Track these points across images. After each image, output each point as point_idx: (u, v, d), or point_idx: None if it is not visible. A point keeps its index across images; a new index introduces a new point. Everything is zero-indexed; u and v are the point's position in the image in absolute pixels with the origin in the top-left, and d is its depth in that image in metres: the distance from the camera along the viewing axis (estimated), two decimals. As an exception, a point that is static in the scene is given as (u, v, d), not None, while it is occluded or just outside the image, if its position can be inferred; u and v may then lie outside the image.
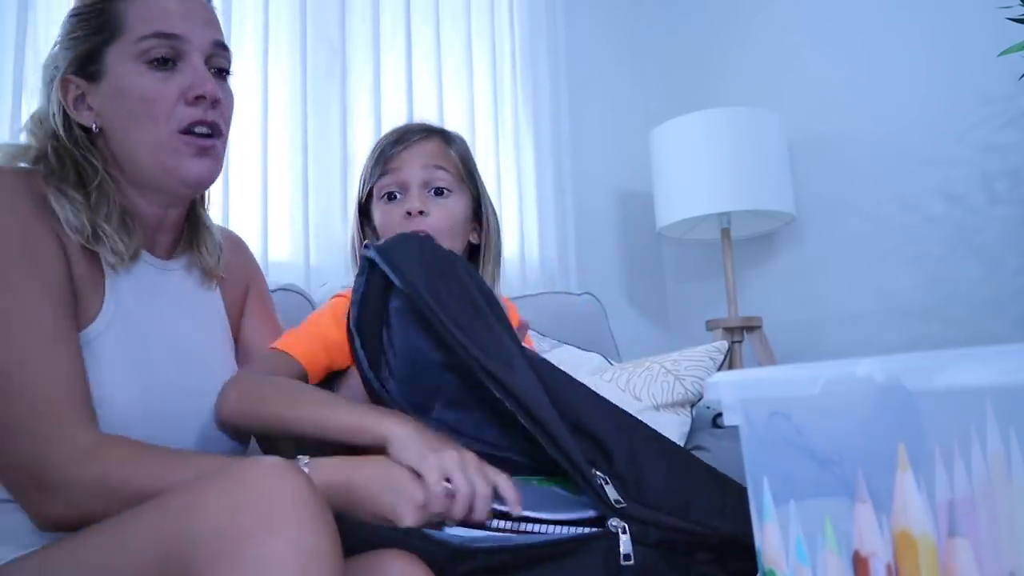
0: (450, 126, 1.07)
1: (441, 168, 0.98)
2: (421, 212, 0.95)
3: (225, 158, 0.87)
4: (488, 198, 1.05)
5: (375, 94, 1.75)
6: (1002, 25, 1.57)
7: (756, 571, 0.54)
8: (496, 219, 1.06)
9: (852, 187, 1.97)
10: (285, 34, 1.64)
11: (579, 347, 1.60)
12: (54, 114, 0.81)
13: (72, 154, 0.80)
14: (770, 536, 0.52)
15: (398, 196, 0.98)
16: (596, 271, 2.17)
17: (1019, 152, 1.71)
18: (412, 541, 0.66)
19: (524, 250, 1.99)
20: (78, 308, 0.76)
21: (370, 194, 1.01)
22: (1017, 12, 1.52)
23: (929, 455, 0.43)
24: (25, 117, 1.28)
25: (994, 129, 1.74)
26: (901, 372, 0.43)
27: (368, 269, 0.80)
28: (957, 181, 1.79)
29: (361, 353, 0.78)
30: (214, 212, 1.47)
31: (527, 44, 2.07)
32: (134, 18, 0.80)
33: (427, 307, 0.74)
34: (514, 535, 0.69)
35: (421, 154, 0.98)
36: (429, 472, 0.67)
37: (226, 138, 0.86)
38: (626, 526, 0.68)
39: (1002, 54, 1.51)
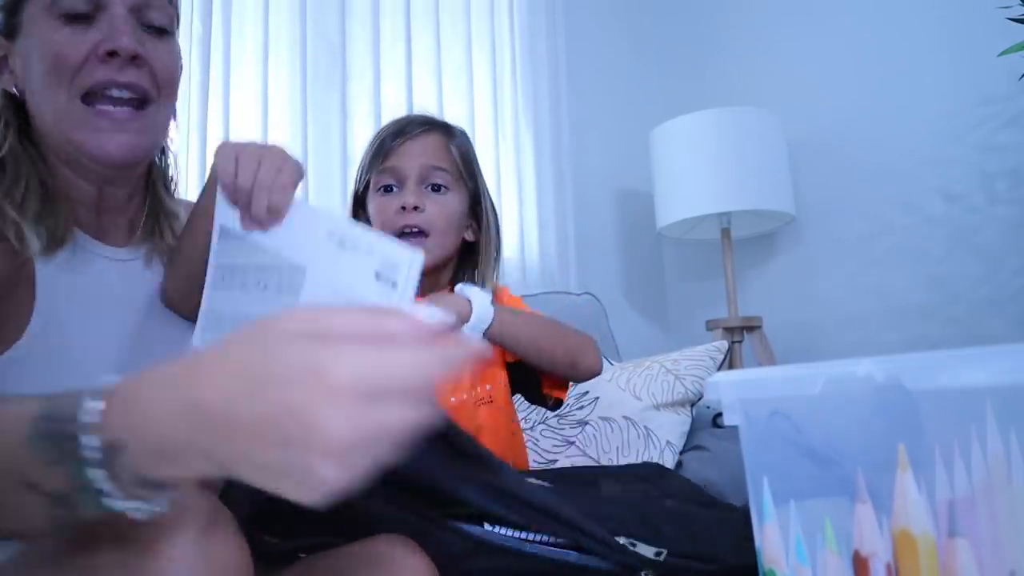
0: None
1: (440, 164, 0.97)
2: (416, 207, 0.94)
3: (159, 134, 0.75)
4: (488, 195, 1.04)
5: (375, 96, 1.75)
6: (1002, 25, 1.56)
7: None
8: (496, 216, 1.04)
9: (852, 187, 1.97)
10: (285, 36, 1.64)
11: (579, 347, 1.59)
12: None
13: None
14: (770, 536, 0.52)
15: (395, 189, 0.96)
16: (596, 271, 2.17)
17: (1019, 152, 1.71)
18: (433, 530, 0.64)
19: (524, 250, 1.99)
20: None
21: (367, 185, 1.00)
22: (1017, 12, 1.52)
23: (929, 455, 0.43)
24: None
25: (994, 129, 1.74)
26: (901, 372, 0.43)
27: None
28: (957, 181, 1.79)
29: None
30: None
31: (527, 45, 2.07)
32: None
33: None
34: (540, 545, 0.66)
35: (421, 148, 0.97)
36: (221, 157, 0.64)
37: (162, 106, 0.73)
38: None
39: (1002, 54, 1.51)
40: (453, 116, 1.87)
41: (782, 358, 1.92)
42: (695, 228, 2.04)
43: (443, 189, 0.97)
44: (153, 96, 0.72)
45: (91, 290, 0.73)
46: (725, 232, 1.97)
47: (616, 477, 0.88)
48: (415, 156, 0.96)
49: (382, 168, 0.97)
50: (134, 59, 0.69)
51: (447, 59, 1.91)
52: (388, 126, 1.01)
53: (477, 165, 1.03)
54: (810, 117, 2.04)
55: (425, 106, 1.83)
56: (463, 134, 1.03)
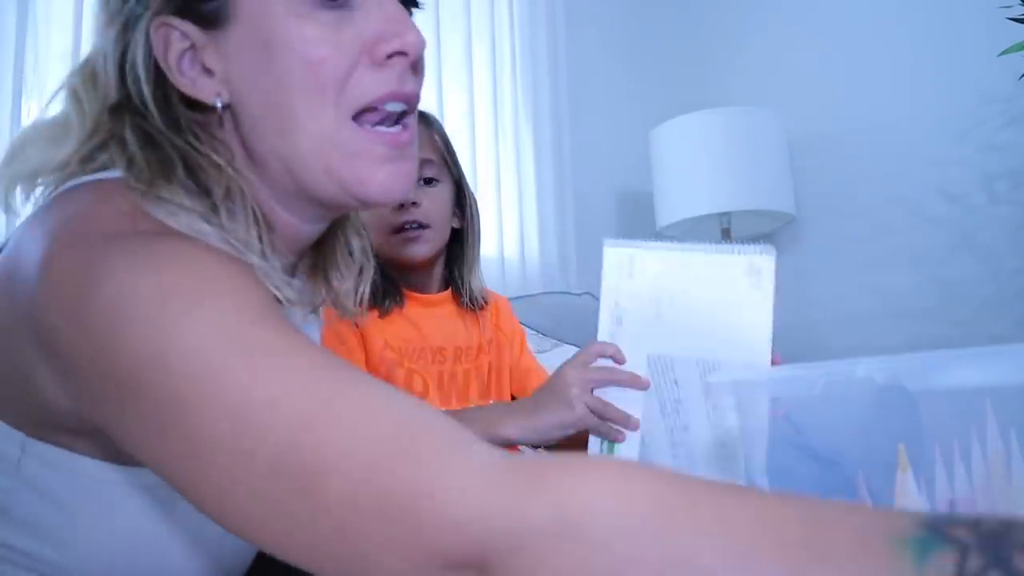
0: (450, 126, 1.06)
1: (428, 156, 0.95)
2: (414, 203, 0.93)
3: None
4: (467, 183, 1.04)
5: (375, 94, 1.75)
6: (1002, 25, 1.56)
7: None
8: (475, 202, 1.04)
9: (852, 187, 1.97)
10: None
11: (579, 347, 1.59)
12: (139, 76, 0.49)
13: (173, 142, 0.48)
14: (770, 536, 0.52)
15: None
16: (596, 271, 2.16)
17: (1019, 152, 1.71)
18: None
19: (524, 250, 1.99)
20: None
21: None
22: (1017, 12, 1.51)
23: (929, 455, 0.43)
24: (25, 116, 1.25)
25: (994, 129, 1.74)
26: (901, 372, 0.43)
27: None
28: (957, 181, 1.79)
29: None
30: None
31: (527, 44, 2.07)
32: None
33: None
34: None
35: None
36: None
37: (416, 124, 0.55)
38: None
39: (1002, 54, 1.51)
40: (453, 115, 1.88)
41: (783, 358, 1.92)
42: (695, 228, 2.04)
43: (434, 182, 0.96)
44: (416, 110, 0.54)
45: None
46: (725, 232, 1.97)
47: None
48: None
49: None
50: (416, 63, 0.51)
51: (447, 59, 1.91)
52: None
53: (456, 154, 1.02)
54: (811, 117, 2.04)
55: (424, 109, 1.82)
56: (438, 122, 1.02)
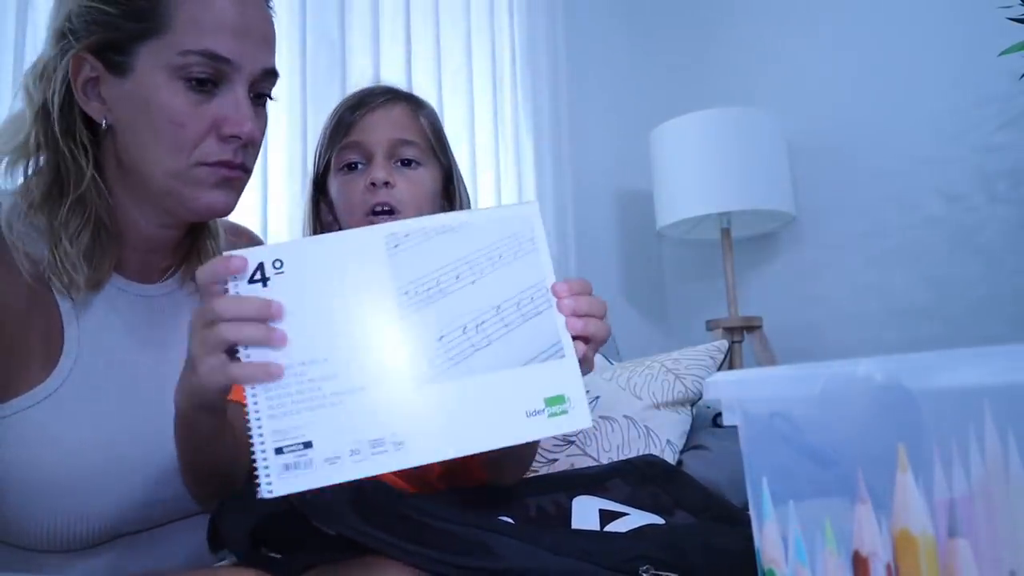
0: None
1: (409, 137, 0.88)
2: (387, 183, 0.84)
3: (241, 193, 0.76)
4: (459, 173, 0.96)
5: (375, 94, 1.75)
6: (1002, 25, 1.56)
7: None
8: (468, 197, 0.97)
9: (852, 187, 1.97)
10: (285, 34, 1.64)
11: (579, 347, 1.59)
12: (55, 90, 0.68)
13: (57, 144, 0.68)
14: (769, 536, 0.52)
15: (360, 166, 0.87)
16: (596, 271, 2.17)
17: (1019, 152, 1.71)
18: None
19: (524, 250, 1.99)
20: (19, 363, 0.65)
21: (328, 167, 0.90)
22: (1017, 12, 1.51)
23: (929, 455, 0.43)
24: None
25: (994, 129, 1.74)
26: (901, 372, 0.43)
27: None
28: (957, 181, 1.79)
29: None
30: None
31: (527, 44, 2.07)
32: (185, 21, 0.66)
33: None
34: None
35: (386, 120, 0.87)
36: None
37: (250, 173, 0.75)
38: None
39: (1002, 54, 1.51)
40: (453, 115, 1.88)
41: (782, 358, 1.92)
42: (695, 228, 2.04)
43: (414, 164, 0.88)
44: (250, 170, 0.74)
45: (125, 327, 0.73)
46: (725, 232, 1.97)
47: (623, 476, 0.83)
48: (380, 128, 0.87)
49: (344, 144, 0.87)
50: (249, 143, 0.70)
51: (447, 59, 1.91)
52: (346, 99, 0.91)
53: (447, 141, 0.95)
54: (810, 117, 2.04)
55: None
56: (431, 107, 0.95)
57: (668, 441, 1.33)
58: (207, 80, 0.67)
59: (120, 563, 0.73)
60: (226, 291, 0.54)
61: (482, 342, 0.58)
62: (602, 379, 1.42)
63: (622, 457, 1.30)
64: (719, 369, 1.46)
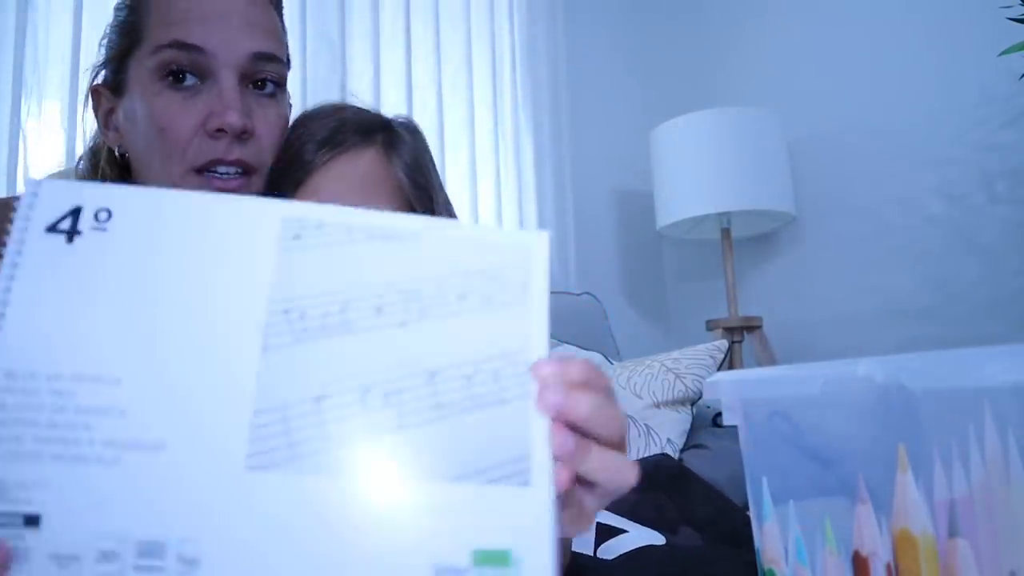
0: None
1: (379, 201, 0.70)
2: None
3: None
4: (448, 210, 0.77)
5: (375, 96, 1.75)
6: (1002, 25, 1.56)
7: None
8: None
9: (852, 187, 1.97)
10: (285, 34, 1.64)
11: (579, 347, 1.60)
12: (93, 130, 0.69)
13: (90, 177, 0.68)
14: (769, 536, 0.52)
15: None
16: (596, 271, 2.17)
17: (1019, 152, 1.71)
18: None
19: (524, 250, 1.99)
20: None
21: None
22: (1017, 12, 1.51)
23: (929, 455, 0.43)
24: (25, 117, 1.26)
25: (994, 129, 1.74)
26: (901, 372, 0.43)
27: None
28: (957, 181, 1.79)
29: None
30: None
31: (527, 44, 2.07)
32: (156, 20, 0.63)
33: None
34: None
35: (355, 176, 0.69)
36: None
37: (262, 174, 0.67)
38: None
39: (1002, 54, 1.51)
40: (453, 115, 1.88)
41: (782, 358, 1.92)
42: (695, 228, 2.04)
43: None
44: (256, 167, 0.66)
45: None
46: (725, 232, 1.97)
47: None
48: (341, 185, 0.68)
49: (298, 193, 0.67)
50: (242, 134, 0.63)
51: (447, 59, 1.91)
52: (311, 122, 0.71)
53: (434, 175, 0.76)
54: (810, 117, 2.04)
55: (424, 109, 1.82)
56: (413, 137, 0.75)
57: (668, 440, 1.33)
58: (186, 75, 0.62)
59: None
60: None
61: (388, 423, 0.34)
62: (602, 379, 1.42)
63: (622, 457, 1.30)
64: (719, 369, 1.46)
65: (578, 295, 1.83)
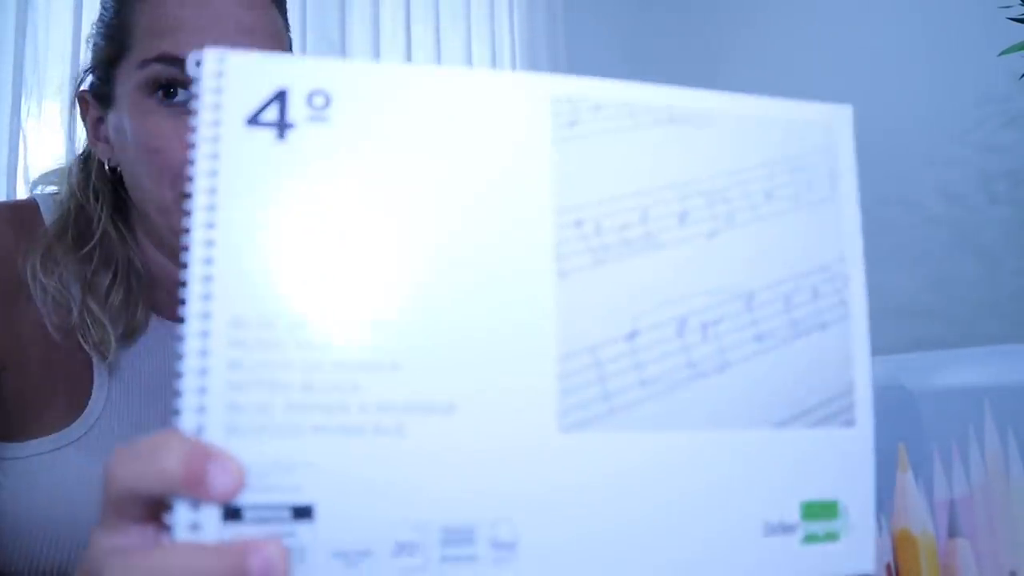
0: None
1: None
2: None
3: None
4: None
5: (375, 94, 1.75)
6: (1003, 25, 1.56)
7: None
8: None
9: (852, 187, 1.97)
10: (285, 34, 1.65)
11: (579, 347, 1.60)
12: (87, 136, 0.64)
13: (82, 191, 0.62)
14: (770, 536, 0.52)
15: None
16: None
17: (1019, 152, 1.71)
18: None
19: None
20: (42, 404, 0.59)
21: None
22: (1017, 12, 1.51)
23: (929, 455, 0.43)
24: (25, 117, 1.26)
25: (994, 129, 1.74)
26: (901, 372, 0.43)
27: None
28: (957, 181, 1.79)
29: None
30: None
31: (527, 44, 2.07)
32: (143, 30, 0.57)
33: None
34: None
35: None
36: None
37: None
38: None
39: (1002, 54, 1.51)
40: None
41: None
42: (695, 228, 2.04)
43: None
44: None
45: (157, 368, 0.65)
46: (725, 232, 1.97)
47: None
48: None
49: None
50: None
51: (447, 59, 1.91)
52: None
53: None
54: (810, 117, 2.04)
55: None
56: None
57: (668, 441, 1.33)
58: (178, 90, 0.56)
59: None
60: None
61: (711, 362, 0.29)
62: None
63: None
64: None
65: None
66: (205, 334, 0.25)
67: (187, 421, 0.25)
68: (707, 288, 0.29)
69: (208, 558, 0.24)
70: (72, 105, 0.64)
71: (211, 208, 0.26)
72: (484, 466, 0.26)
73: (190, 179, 0.27)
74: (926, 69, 1.84)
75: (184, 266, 0.27)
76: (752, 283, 0.30)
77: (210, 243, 0.26)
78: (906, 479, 0.44)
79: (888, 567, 0.45)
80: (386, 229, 0.27)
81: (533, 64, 2.07)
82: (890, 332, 1.62)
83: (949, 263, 1.79)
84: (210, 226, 0.26)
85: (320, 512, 0.25)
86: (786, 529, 0.29)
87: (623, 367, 0.28)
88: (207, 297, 0.25)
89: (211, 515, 0.24)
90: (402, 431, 0.26)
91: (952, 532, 0.42)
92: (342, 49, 1.72)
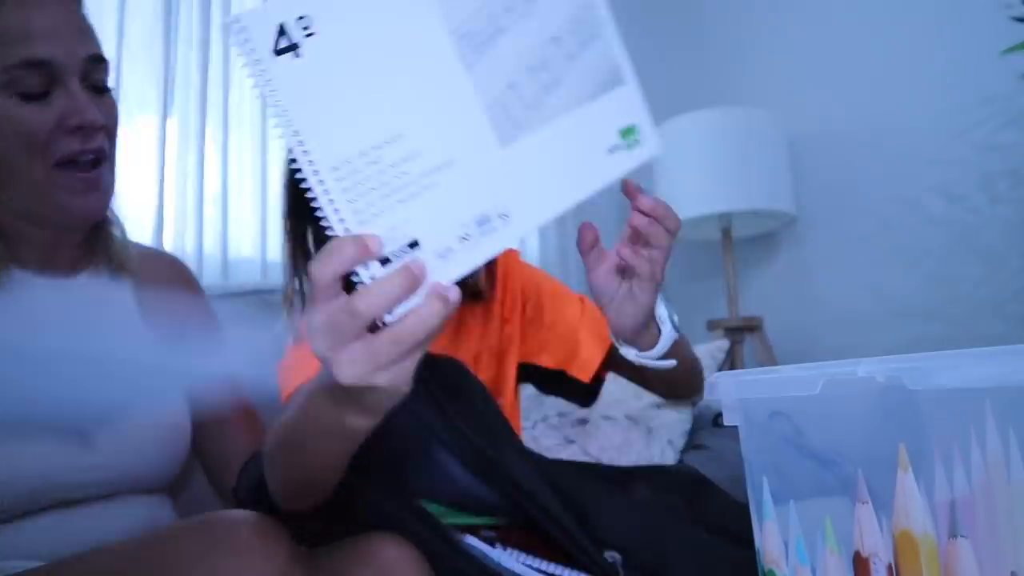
0: None
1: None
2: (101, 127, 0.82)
3: (115, 182, 0.78)
4: None
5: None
6: (1004, 24, 1.56)
7: None
8: None
9: (853, 187, 1.97)
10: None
11: (579, 347, 1.59)
12: None
13: None
14: (770, 536, 0.52)
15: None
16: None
17: (1020, 152, 1.71)
18: (440, 547, 0.61)
19: (524, 250, 1.99)
20: None
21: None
22: (1019, 11, 1.51)
23: (929, 455, 0.43)
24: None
25: (995, 128, 1.74)
26: (901, 372, 0.43)
27: None
28: (958, 181, 1.79)
29: None
30: (214, 214, 1.47)
31: (527, 44, 2.07)
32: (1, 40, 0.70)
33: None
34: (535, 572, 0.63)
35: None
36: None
37: (113, 159, 0.78)
38: None
39: (1004, 53, 1.51)
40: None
41: (782, 358, 1.92)
42: (695, 228, 2.04)
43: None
44: (108, 151, 0.76)
45: (31, 312, 0.75)
46: (725, 232, 1.97)
47: (647, 479, 0.79)
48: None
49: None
50: (99, 128, 0.73)
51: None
52: None
53: None
54: (811, 117, 2.04)
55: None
56: None
57: (669, 441, 1.33)
58: (38, 88, 0.70)
59: (53, 536, 0.72)
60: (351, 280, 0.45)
61: (550, 81, 0.51)
62: (602, 379, 1.42)
63: (623, 457, 1.30)
64: (720, 369, 1.46)
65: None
66: (321, 181, 0.44)
67: (338, 230, 0.44)
68: (534, 42, 0.51)
69: (390, 280, 0.44)
70: None
71: (284, 110, 0.43)
72: (477, 182, 0.48)
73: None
74: (927, 68, 1.84)
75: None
76: (552, 30, 0.52)
77: (296, 131, 0.43)
78: (906, 479, 0.43)
79: (888, 567, 0.45)
80: (373, 85, 0.45)
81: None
82: (890, 332, 1.63)
83: (950, 263, 1.79)
84: (290, 125, 0.43)
85: (422, 241, 0.46)
86: (618, 147, 0.56)
87: (528, 92, 0.51)
88: (309, 159, 0.44)
89: (375, 266, 0.45)
90: (437, 184, 0.47)
91: (953, 532, 0.42)
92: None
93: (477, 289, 0.91)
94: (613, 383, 1.42)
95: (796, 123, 2.02)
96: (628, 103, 0.56)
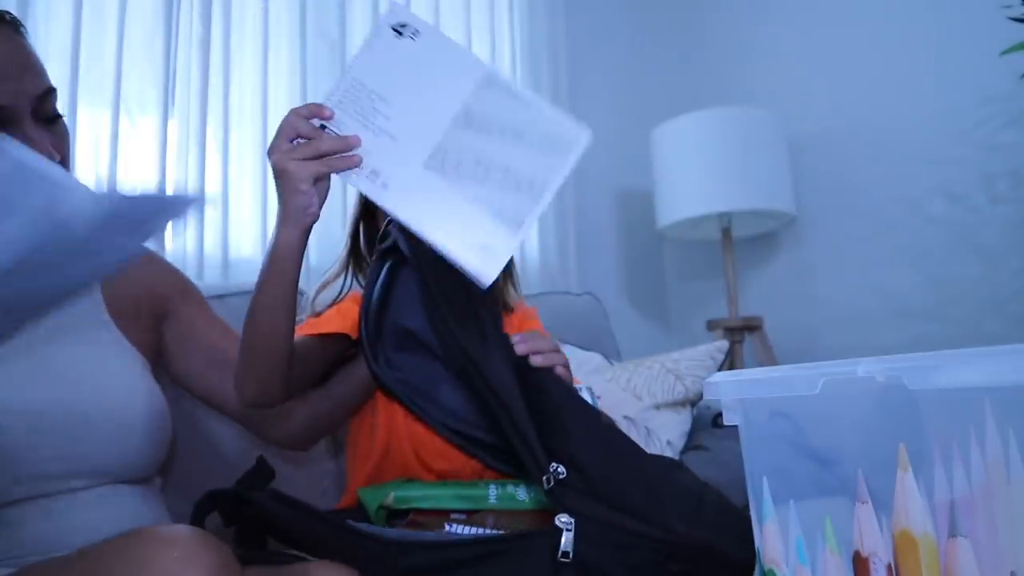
0: None
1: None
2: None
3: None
4: None
5: (375, 94, 1.75)
6: (1004, 24, 1.56)
7: None
8: None
9: (853, 187, 1.97)
10: (285, 33, 1.64)
11: (579, 347, 1.60)
12: None
13: None
14: (770, 536, 0.52)
15: None
16: (596, 271, 2.17)
17: (1020, 152, 1.71)
18: (346, 537, 0.66)
19: (524, 250, 1.99)
20: None
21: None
22: (1019, 12, 1.51)
23: (929, 455, 0.43)
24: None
25: (995, 128, 1.74)
26: (901, 372, 0.43)
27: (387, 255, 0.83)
28: (958, 181, 1.79)
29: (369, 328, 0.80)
30: (215, 214, 1.46)
31: (527, 43, 2.07)
32: None
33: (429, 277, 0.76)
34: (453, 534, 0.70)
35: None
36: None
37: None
38: (573, 523, 0.63)
39: (1004, 53, 1.51)
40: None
41: (782, 358, 1.92)
42: (695, 228, 2.04)
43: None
44: None
45: None
46: (725, 232, 1.97)
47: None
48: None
49: None
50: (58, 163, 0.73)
51: (447, 59, 1.91)
52: None
53: None
54: (811, 117, 2.04)
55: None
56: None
57: (668, 442, 1.33)
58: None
59: (40, 527, 0.73)
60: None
61: (480, 175, 0.71)
62: (602, 379, 1.42)
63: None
64: (720, 369, 1.46)
65: (578, 295, 1.82)
66: (347, 90, 0.73)
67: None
68: (496, 157, 0.71)
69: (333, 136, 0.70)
70: None
71: (369, 48, 0.73)
72: (396, 156, 0.72)
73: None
74: (927, 69, 1.84)
75: None
76: (511, 164, 0.71)
77: (355, 75, 0.74)
78: (906, 479, 0.43)
79: (888, 567, 0.45)
80: (408, 81, 0.73)
81: (533, 64, 2.07)
82: (890, 332, 1.63)
83: (950, 263, 1.79)
84: (367, 70, 0.73)
85: (383, 174, 0.72)
86: (477, 248, 0.70)
87: (456, 159, 0.72)
88: (355, 75, 0.73)
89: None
90: (396, 138, 0.72)
91: (953, 532, 0.42)
92: (342, 49, 1.72)
93: (507, 305, 0.99)
94: (611, 384, 1.42)
95: (796, 123, 2.02)
96: (506, 240, 0.70)
